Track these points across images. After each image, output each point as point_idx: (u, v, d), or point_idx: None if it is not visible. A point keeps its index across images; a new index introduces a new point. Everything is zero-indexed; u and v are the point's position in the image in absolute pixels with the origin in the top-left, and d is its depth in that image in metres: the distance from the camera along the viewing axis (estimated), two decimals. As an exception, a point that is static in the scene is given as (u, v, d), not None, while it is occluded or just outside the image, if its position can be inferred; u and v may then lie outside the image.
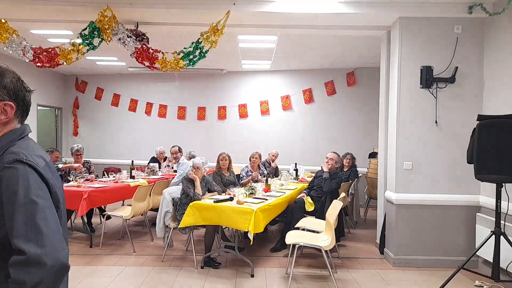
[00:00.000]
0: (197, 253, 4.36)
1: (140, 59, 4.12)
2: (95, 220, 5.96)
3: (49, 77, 8.80)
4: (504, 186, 3.34)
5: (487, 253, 3.65)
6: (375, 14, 4.29)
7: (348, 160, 6.17)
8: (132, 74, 9.05)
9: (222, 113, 8.74)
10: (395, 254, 4.30)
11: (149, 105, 9.10)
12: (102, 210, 6.00)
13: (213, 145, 8.53)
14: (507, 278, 3.51)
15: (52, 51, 4.03)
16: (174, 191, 4.57)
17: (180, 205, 4.33)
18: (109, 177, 5.87)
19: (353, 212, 6.07)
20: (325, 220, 4.07)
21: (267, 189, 4.84)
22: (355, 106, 8.13)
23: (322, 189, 4.80)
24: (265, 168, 6.56)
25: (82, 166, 5.65)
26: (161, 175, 6.57)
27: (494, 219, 3.40)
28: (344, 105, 8.19)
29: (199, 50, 4.13)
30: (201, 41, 4.09)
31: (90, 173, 5.82)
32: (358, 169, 6.42)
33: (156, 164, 6.90)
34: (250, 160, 6.00)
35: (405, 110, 4.34)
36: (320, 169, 5.07)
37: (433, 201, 4.24)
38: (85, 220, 5.86)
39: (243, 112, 8.63)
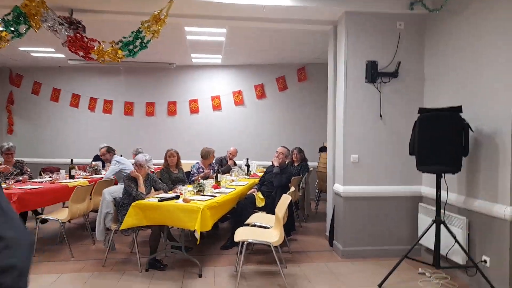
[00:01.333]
0: (141, 256, 4.11)
1: (74, 48, 3.79)
2: (30, 224, 5.47)
3: (-23, 70, 7.98)
4: (443, 176, 3.46)
5: (429, 241, 3.77)
6: (322, 8, 4.28)
7: (295, 155, 6.18)
8: (74, 67, 8.45)
9: (172, 108, 8.44)
10: (343, 246, 4.35)
11: (93, 101, 8.57)
12: (37, 213, 5.52)
13: (163, 141, 8.18)
14: (447, 265, 3.66)
15: (-31, 38, 3.57)
16: (116, 190, 4.28)
17: (122, 206, 4.06)
18: (45, 177, 5.40)
19: (304, 206, 6.10)
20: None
21: (217, 185, 4.69)
22: (306, 101, 8.20)
23: (273, 184, 4.75)
24: (221, 165, 6.40)
25: (8, 167, 5.11)
26: (104, 174, 6.17)
27: (435, 208, 3.52)
28: (295, 100, 8.23)
29: (139, 40, 3.87)
30: (142, 31, 3.84)
31: (22, 173, 5.32)
32: (309, 163, 6.47)
33: (100, 163, 6.49)
34: (205, 157, 5.70)
35: (351, 105, 4.39)
36: (271, 164, 5.01)
37: (378, 193, 4.34)
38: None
39: (194, 108, 8.39)
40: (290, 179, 4.92)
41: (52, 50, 6.97)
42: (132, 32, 3.89)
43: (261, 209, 4.75)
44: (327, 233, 4.92)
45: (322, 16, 4.60)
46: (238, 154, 8.00)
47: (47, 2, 3.74)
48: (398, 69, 4.40)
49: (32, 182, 5.01)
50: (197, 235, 3.54)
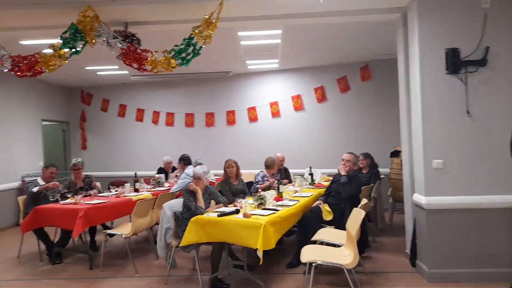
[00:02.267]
0: (203, 273, 3.90)
1: (128, 61, 3.73)
2: (99, 238, 5.60)
3: (53, 91, 8.59)
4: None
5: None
6: (388, -7, 3.78)
7: (362, 161, 5.60)
8: (137, 83, 8.75)
9: (231, 118, 8.31)
10: (430, 267, 3.72)
11: (156, 114, 8.77)
12: (105, 227, 5.63)
13: (224, 151, 8.08)
14: None
15: (32, 58, 3.68)
16: (176, 204, 4.14)
17: (182, 220, 3.89)
18: (111, 191, 5.50)
19: (377, 218, 5.49)
20: (345, 230, 3.54)
21: (279, 197, 4.34)
22: (371, 102, 7.56)
23: (341, 195, 4.28)
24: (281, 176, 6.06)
25: (57, 183, 5.21)
26: (168, 186, 6.16)
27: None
28: (359, 101, 7.63)
29: (192, 47, 3.70)
30: (194, 37, 3.67)
31: (91, 188, 5.46)
32: (380, 169, 5.85)
33: (163, 175, 6.51)
34: (270, 167, 5.42)
35: (430, 101, 3.78)
36: (338, 172, 4.54)
37: (471, 204, 3.64)
38: (87, 239, 5.51)
39: (252, 116, 8.18)
40: (360, 188, 4.41)
41: (116, 67, 7.22)
42: (184, 40, 3.74)
43: (329, 223, 4.30)
44: (408, 251, 4.30)
45: (388, 3, 4.08)
46: (300, 162, 7.61)
47: (101, 17, 3.73)
48: (486, 55, 3.71)
49: (99, 196, 5.11)
50: (260, 254, 3.21)
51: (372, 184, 5.36)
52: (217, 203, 4.19)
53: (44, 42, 5.19)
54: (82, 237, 4.68)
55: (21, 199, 5.16)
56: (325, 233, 3.92)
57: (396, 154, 5.95)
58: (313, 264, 3.11)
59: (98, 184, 5.89)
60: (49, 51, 3.75)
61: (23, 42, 5.22)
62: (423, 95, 3.78)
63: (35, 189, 5.00)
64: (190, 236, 3.57)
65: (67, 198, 5.00)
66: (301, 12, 4.14)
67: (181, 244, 3.62)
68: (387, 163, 6.52)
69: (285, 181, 5.99)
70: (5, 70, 3.71)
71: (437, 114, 3.76)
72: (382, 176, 5.88)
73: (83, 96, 9.21)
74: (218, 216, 3.53)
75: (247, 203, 3.88)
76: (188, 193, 3.91)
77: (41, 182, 5.17)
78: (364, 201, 3.83)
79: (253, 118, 8.18)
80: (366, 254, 4.52)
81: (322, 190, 5.02)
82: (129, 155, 8.94)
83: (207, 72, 7.85)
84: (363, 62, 7.52)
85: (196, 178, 3.96)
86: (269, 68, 7.81)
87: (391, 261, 4.41)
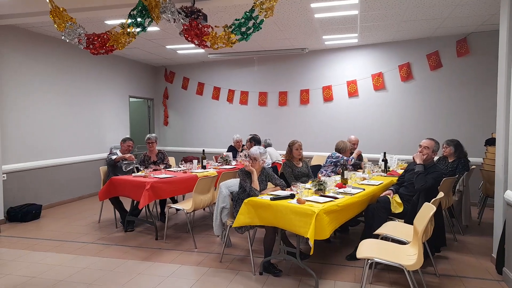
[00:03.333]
0: (256, 256, 3.82)
1: (190, 37, 3.68)
2: (172, 210, 5.91)
3: (140, 69, 9.18)
4: None
5: None
6: None
7: (445, 149, 4.89)
8: (214, 61, 8.90)
9: (304, 97, 7.98)
10: (521, 279, 3.10)
11: (231, 92, 8.84)
12: (174, 201, 5.90)
13: (295, 132, 7.86)
14: None
15: (105, 36, 3.86)
16: (233, 184, 4.08)
17: (237, 201, 3.83)
18: (179, 167, 5.71)
19: (462, 214, 4.79)
20: (415, 227, 3.10)
21: (342, 184, 4.00)
22: (467, 81, 6.55)
23: (414, 186, 3.77)
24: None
25: (132, 156, 5.58)
26: (235, 165, 6.18)
27: None
28: (453, 80, 6.67)
29: (252, 21, 3.49)
30: (254, 9, 3.45)
31: (163, 163, 5.73)
32: (470, 159, 5.07)
33: (230, 153, 6.56)
34: (342, 151, 5.14)
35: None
36: (413, 160, 4.01)
37: None
38: (157, 211, 5.86)
39: (327, 95, 7.73)
40: (439, 181, 3.82)
41: (192, 46, 7.36)
42: (245, 13, 3.55)
43: (398, 215, 3.85)
44: (494, 255, 3.66)
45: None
46: (376, 147, 7.03)
47: (167, -7, 3.72)
48: None
49: (167, 171, 5.33)
50: (311, 244, 2.98)
51: (458, 175, 4.66)
52: (274, 185, 4.03)
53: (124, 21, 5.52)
54: (149, 208, 4.94)
55: (103, 169, 5.65)
56: (391, 227, 3.50)
57: (492, 142, 5.07)
58: (369, 261, 2.78)
59: (170, 159, 6.18)
60: (118, 29, 3.89)
61: (108, 22, 5.57)
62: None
63: (113, 157, 5.44)
64: (242, 217, 3.49)
65: (139, 171, 5.32)
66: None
67: (233, 225, 3.56)
68: (480, 152, 5.63)
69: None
70: (81, 47, 3.96)
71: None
72: (472, 166, 5.10)
73: (167, 74, 9.69)
74: (271, 199, 3.37)
75: (304, 188, 3.64)
76: (244, 174, 3.81)
77: (119, 154, 5.58)
78: (440, 194, 3.30)
79: (328, 98, 7.73)
80: (442, 253, 3.97)
81: (395, 179, 4.52)
82: (204, 132, 9.24)
83: (283, 49, 7.59)
84: (461, 34, 6.50)
85: (252, 158, 3.83)
86: (347, 43, 7.23)
87: (472, 264, 3.80)
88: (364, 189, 3.91)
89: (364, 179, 4.54)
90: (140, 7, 3.74)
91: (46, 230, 5.21)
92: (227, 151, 6.96)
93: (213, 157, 6.90)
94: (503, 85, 3.58)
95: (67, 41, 3.90)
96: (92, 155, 7.52)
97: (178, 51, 7.90)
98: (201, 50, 7.68)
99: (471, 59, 6.47)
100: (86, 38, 3.88)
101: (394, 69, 7.12)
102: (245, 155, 6.76)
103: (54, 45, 6.59)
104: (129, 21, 3.81)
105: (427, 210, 2.82)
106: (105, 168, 5.65)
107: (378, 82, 7.25)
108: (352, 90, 7.49)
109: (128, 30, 3.81)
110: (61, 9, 3.87)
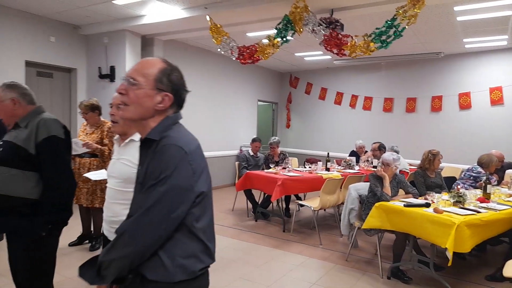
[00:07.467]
0: (384, 260, 3.86)
1: (329, 46, 3.94)
2: (292, 206, 6.29)
3: (268, 76, 9.89)
4: None
5: None
6: None
7: None
8: (338, 67, 9.03)
9: (436, 104, 7.52)
10: None
11: (354, 98, 8.85)
12: (298, 198, 6.24)
13: (423, 141, 7.47)
14: None
15: (253, 48, 4.39)
16: (362, 187, 4.19)
17: (366, 204, 3.93)
18: (306, 167, 6.03)
19: None
20: None
21: (484, 198, 3.74)
22: None
23: None
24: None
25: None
26: (358, 169, 6.23)
27: None
28: None
29: (393, 29, 3.56)
30: (396, 18, 3.52)
31: (284, 163, 6.13)
32: None
33: (354, 158, 6.61)
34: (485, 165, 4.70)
35: None
36: None
37: None
38: (282, 205, 6.27)
39: (464, 102, 7.14)
40: None
41: (320, 52, 7.65)
42: (386, 22, 3.64)
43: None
44: None
45: None
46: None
47: (310, 6, 4.06)
48: None
49: (294, 170, 5.70)
50: (449, 255, 2.92)
51: None
52: (406, 193, 4.00)
53: (262, 34, 6.11)
54: (279, 202, 5.38)
55: (237, 163, 6.33)
56: (545, 251, 3.16)
57: None
58: (519, 281, 2.61)
59: (291, 160, 6.56)
60: (265, 41, 4.39)
61: (249, 34, 6.23)
62: None
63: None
64: (373, 220, 3.58)
65: (270, 168, 5.81)
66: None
67: (363, 227, 3.68)
68: None
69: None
70: (233, 58, 4.58)
71: None
72: None
73: (291, 80, 10.20)
74: (405, 206, 3.39)
75: (440, 198, 3.55)
76: (375, 178, 3.89)
77: (251, 152, 6.19)
78: None
79: (464, 105, 7.14)
80: None
81: (551, 199, 4.00)
82: (324, 135, 9.43)
83: (414, 54, 7.30)
84: None
85: (385, 164, 3.88)
86: (493, 46, 6.57)
87: None
88: (511, 206, 3.59)
89: (511, 195, 4.13)
90: (285, 21, 4.15)
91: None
92: (348, 156, 7.03)
93: (334, 160, 7.05)
94: None
95: (222, 52, 4.57)
96: (225, 151, 8.44)
97: (306, 58, 8.27)
98: (328, 57, 7.91)
99: None
100: (238, 50, 4.47)
101: (553, 74, 6.20)
102: (367, 159, 6.75)
103: (202, 55, 7.63)
104: (275, 33, 4.27)
105: None
106: (238, 163, 6.33)
107: (531, 89, 6.41)
108: (496, 97, 6.77)
109: (274, 42, 4.26)
110: (218, 25, 4.55)
